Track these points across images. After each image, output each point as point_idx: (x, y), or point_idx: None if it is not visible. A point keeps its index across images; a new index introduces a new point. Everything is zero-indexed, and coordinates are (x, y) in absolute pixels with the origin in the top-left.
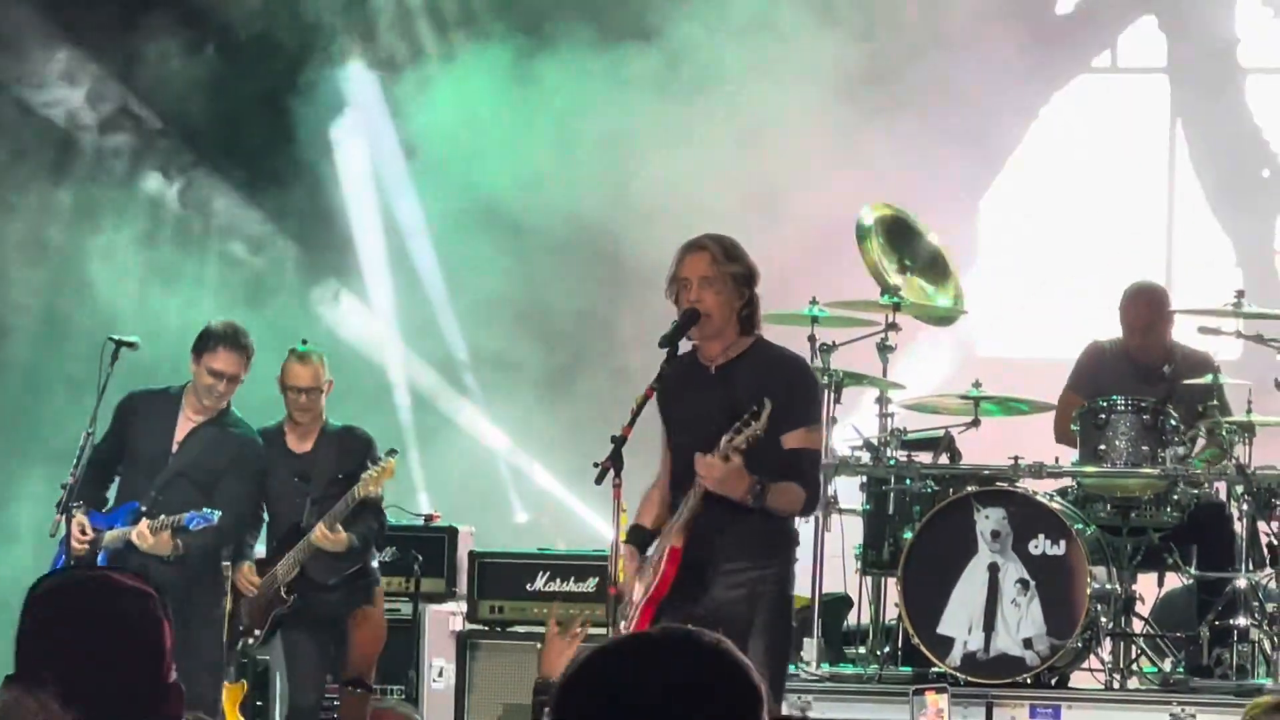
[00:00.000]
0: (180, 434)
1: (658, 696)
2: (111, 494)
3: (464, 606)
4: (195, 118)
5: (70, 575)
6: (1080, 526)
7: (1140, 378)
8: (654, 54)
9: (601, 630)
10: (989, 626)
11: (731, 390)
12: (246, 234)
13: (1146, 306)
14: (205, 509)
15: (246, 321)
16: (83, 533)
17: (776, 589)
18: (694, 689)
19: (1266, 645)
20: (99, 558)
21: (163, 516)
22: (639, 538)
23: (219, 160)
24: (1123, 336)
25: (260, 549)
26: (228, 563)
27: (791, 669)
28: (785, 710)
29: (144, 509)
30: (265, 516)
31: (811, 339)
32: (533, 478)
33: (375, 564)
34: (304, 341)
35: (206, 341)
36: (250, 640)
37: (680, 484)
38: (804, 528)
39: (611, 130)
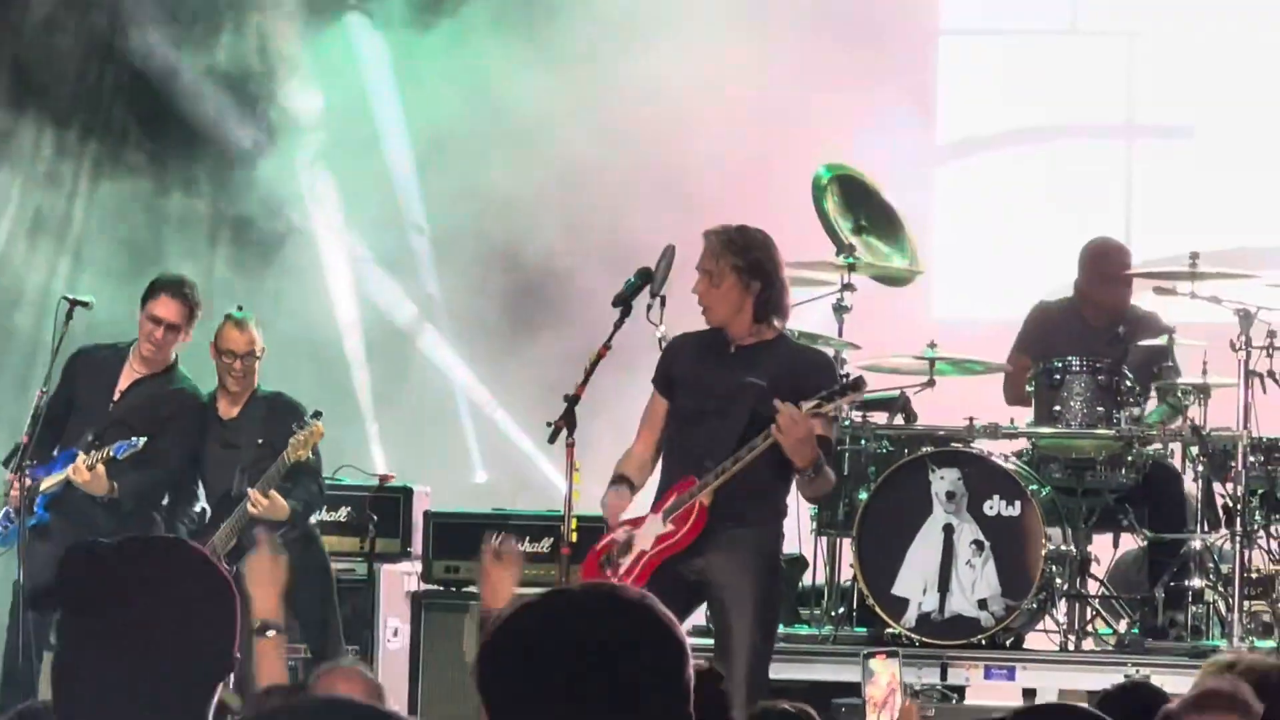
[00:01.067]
0: (122, 384)
1: (582, 652)
2: None
3: (419, 567)
4: None
5: (158, 539)
6: (1035, 487)
7: (1091, 338)
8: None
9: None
10: (944, 587)
11: (753, 368)
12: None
13: (1113, 254)
14: (131, 437)
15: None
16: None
17: (768, 560)
18: (619, 645)
19: (1221, 606)
20: (37, 504)
21: (94, 452)
22: (620, 481)
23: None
24: (1082, 291)
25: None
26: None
27: None
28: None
29: (80, 453)
30: (199, 489)
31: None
32: (499, 436)
33: (313, 523)
34: (240, 308)
35: (152, 289)
36: None
37: (677, 447)
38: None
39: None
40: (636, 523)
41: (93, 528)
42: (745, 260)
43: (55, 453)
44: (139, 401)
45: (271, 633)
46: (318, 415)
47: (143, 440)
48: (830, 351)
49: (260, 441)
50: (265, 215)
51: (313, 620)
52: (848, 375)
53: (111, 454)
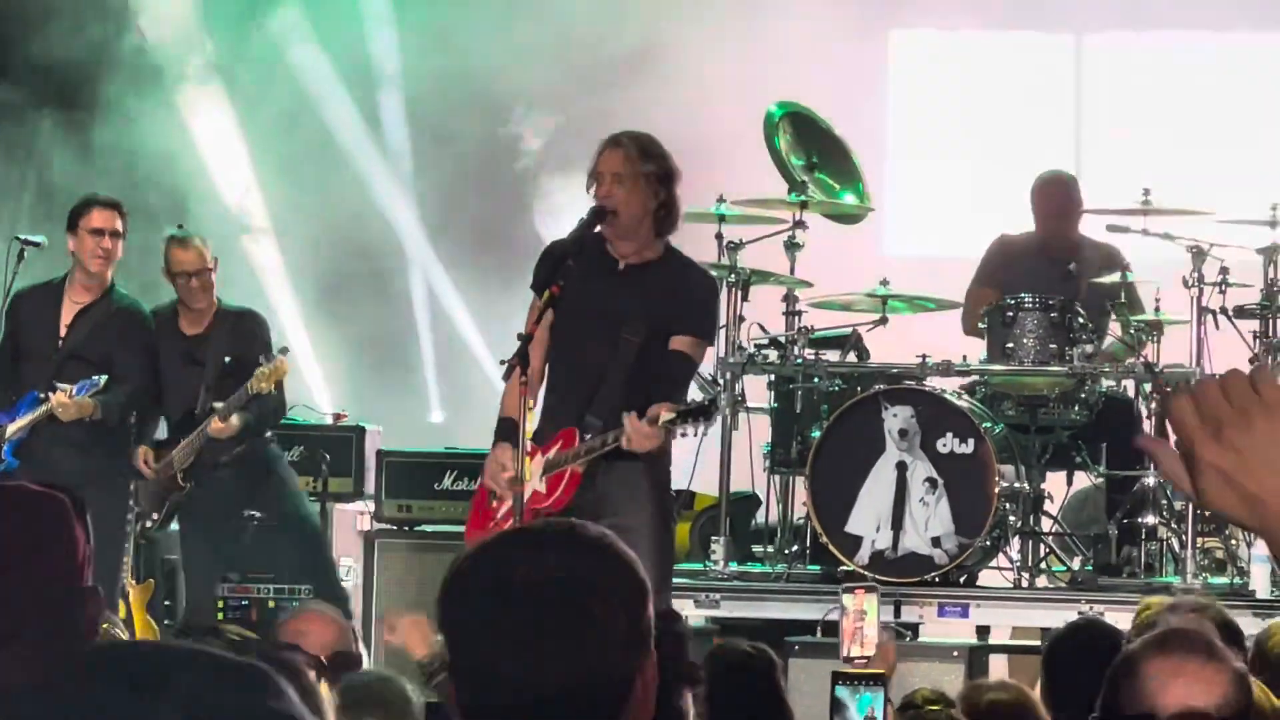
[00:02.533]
0: (66, 319)
1: (542, 590)
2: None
3: (371, 506)
4: None
5: None
6: (988, 425)
7: (1050, 272)
8: None
9: None
10: (897, 525)
11: (641, 292)
12: None
13: (1059, 190)
14: (89, 372)
15: None
16: None
17: (659, 488)
18: (578, 582)
19: (1174, 543)
20: (4, 450)
21: (59, 388)
22: (512, 431)
23: None
24: (1034, 227)
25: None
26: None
27: (699, 567)
28: (694, 610)
29: (42, 397)
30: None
31: (718, 237)
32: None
33: (273, 445)
34: (180, 226)
35: (79, 209)
36: (149, 524)
37: (562, 379)
38: (712, 427)
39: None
40: (532, 453)
41: (58, 472)
42: (658, 169)
43: (13, 397)
44: (86, 331)
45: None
46: (284, 351)
47: (103, 378)
48: (783, 290)
49: (227, 360)
50: None
51: (310, 564)
52: (708, 399)
53: (75, 393)
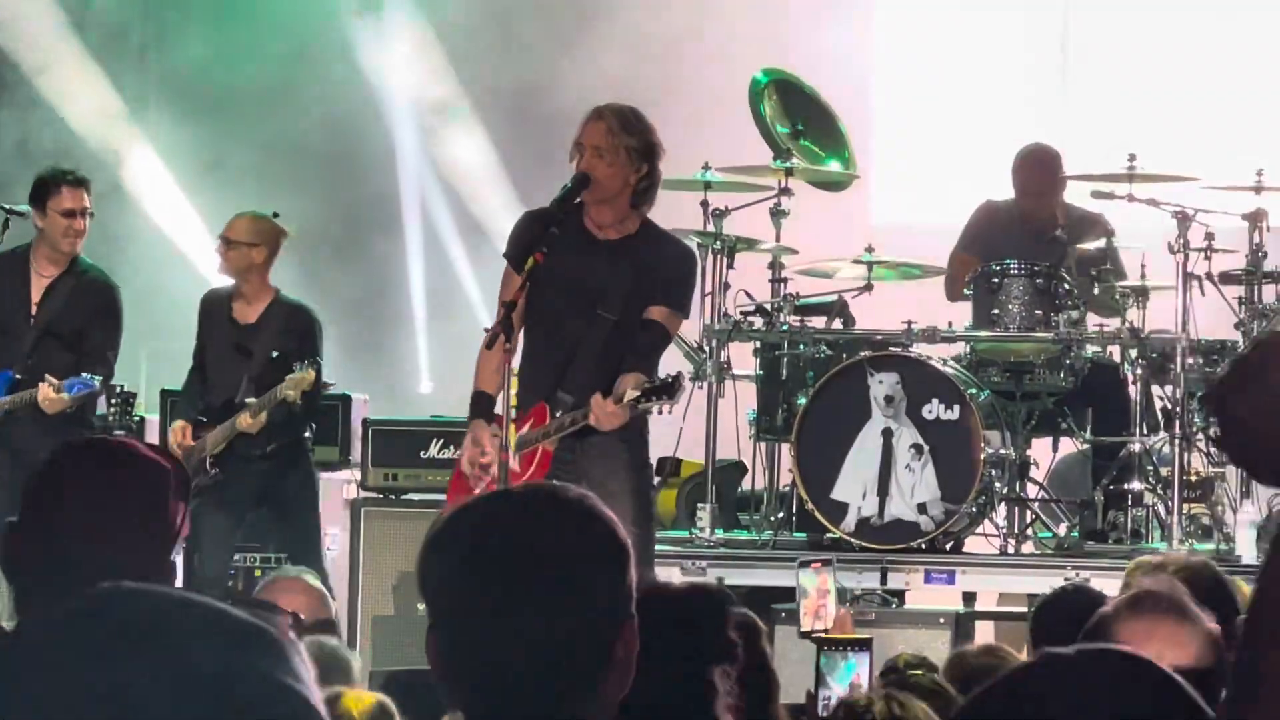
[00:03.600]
0: (36, 293)
1: (522, 551)
2: None
3: (357, 474)
4: None
5: (101, 437)
6: (974, 391)
7: (1033, 240)
8: None
9: None
10: (883, 492)
11: (619, 265)
12: None
13: (1039, 168)
14: (84, 375)
15: None
16: None
17: (637, 454)
18: (561, 544)
19: (1160, 509)
20: None
21: (51, 379)
22: (488, 408)
23: None
24: (1015, 199)
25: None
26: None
27: (685, 534)
28: (680, 577)
29: (18, 376)
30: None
31: (704, 204)
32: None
33: (308, 435)
34: (274, 214)
35: (47, 188)
36: None
37: (538, 353)
38: (697, 393)
39: None
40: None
41: (27, 448)
42: (640, 142)
43: None
44: (59, 306)
45: None
46: (315, 363)
47: (98, 380)
48: (768, 257)
49: (274, 355)
50: None
51: (298, 532)
52: (670, 376)
53: (65, 391)
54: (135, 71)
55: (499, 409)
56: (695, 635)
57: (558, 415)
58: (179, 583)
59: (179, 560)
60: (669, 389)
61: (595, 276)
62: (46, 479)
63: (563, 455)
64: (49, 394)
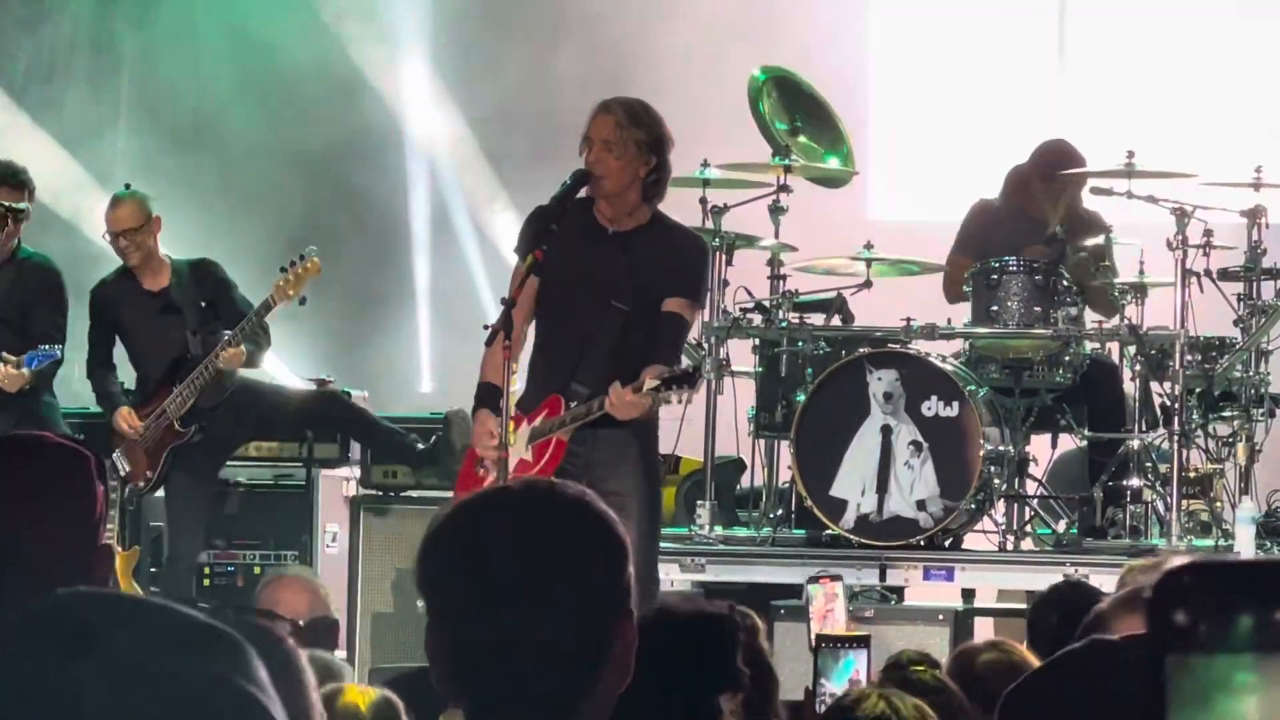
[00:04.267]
0: None
1: (520, 549)
2: None
3: (357, 472)
4: None
5: (5, 436)
6: (973, 388)
7: (1029, 237)
8: None
9: None
10: (882, 489)
11: (630, 257)
12: None
13: (1066, 157)
14: (42, 346)
15: None
16: None
17: (646, 452)
18: (558, 541)
19: (1159, 506)
20: None
21: (5, 355)
22: (495, 399)
23: None
24: (1030, 189)
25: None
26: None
27: (684, 532)
28: (679, 574)
29: None
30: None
31: (703, 201)
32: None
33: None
34: (126, 186)
35: None
36: (140, 485)
37: (551, 345)
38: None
39: None
40: (516, 421)
41: None
42: (649, 135)
43: None
44: (2, 291)
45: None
46: (313, 250)
47: (59, 349)
48: (767, 254)
49: (203, 304)
50: None
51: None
52: (692, 366)
53: (23, 363)
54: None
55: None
56: (704, 666)
57: (573, 405)
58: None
59: (113, 542)
60: (689, 379)
61: (606, 269)
62: None
63: (574, 448)
64: (8, 371)
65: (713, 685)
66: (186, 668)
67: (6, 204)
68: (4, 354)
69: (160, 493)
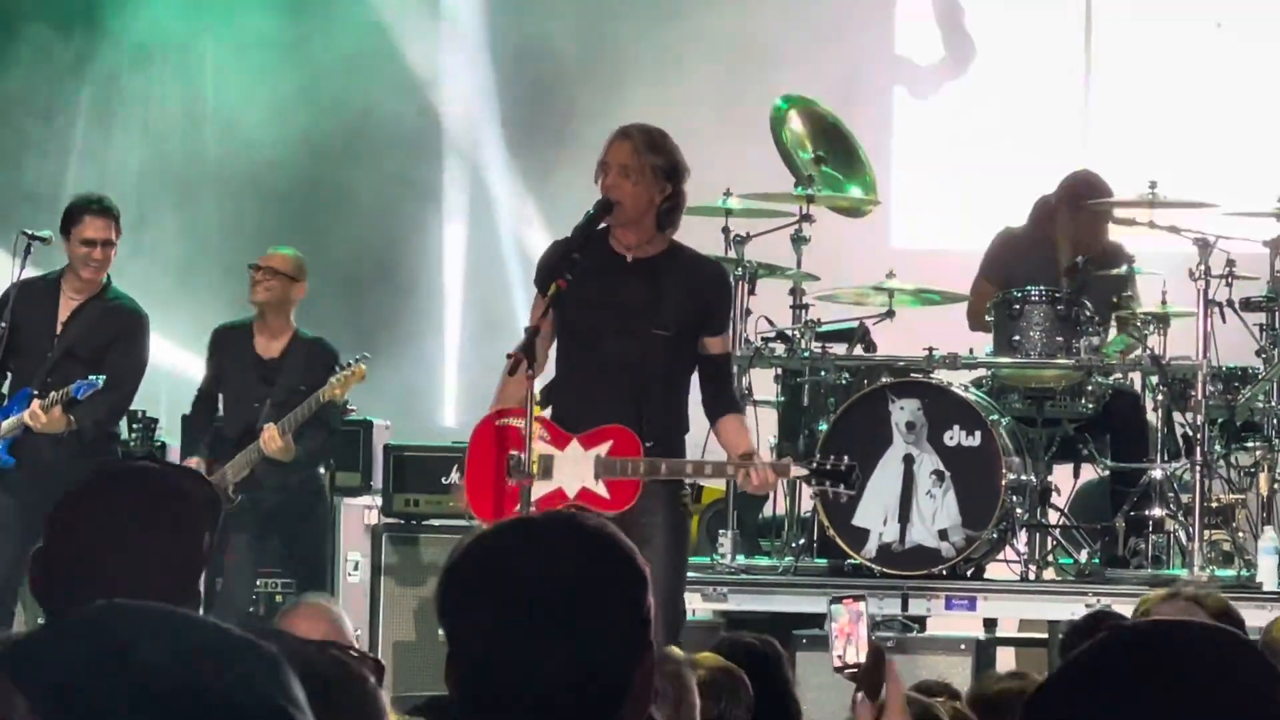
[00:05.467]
0: (63, 315)
1: (541, 580)
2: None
3: (379, 500)
4: None
5: (139, 462)
6: (995, 417)
7: (1052, 266)
8: None
9: None
10: (904, 518)
11: (650, 285)
12: None
13: (1093, 188)
14: (90, 376)
15: None
16: None
17: (675, 487)
18: (578, 573)
19: (1181, 536)
20: (0, 449)
21: (52, 394)
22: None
23: None
24: (1056, 219)
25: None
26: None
27: (706, 561)
28: (701, 604)
29: (35, 392)
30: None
31: (725, 230)
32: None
33: (323, 471)
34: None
35: (73, 215)
36: None
37: (578, 367)
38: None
39: None
40: (555, 435)
41: (54, 470)
42: (665, 162)
43: (5, 392)
44: (82, 328)
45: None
46: (365, 358)
47: (102, 379)
48: (789, 283)
49: (302, 388)
50: None
51: (306, 562)
52: (848, 465)
53: (71, 394)
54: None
55: (522, 434)
56: None
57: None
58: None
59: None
60: (844, 478)
61: (627, 295)
62: (74, 503)
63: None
64: (35, 410)
65: None
66: (219, 680)
67: (31, 232)
68: (36, 399)
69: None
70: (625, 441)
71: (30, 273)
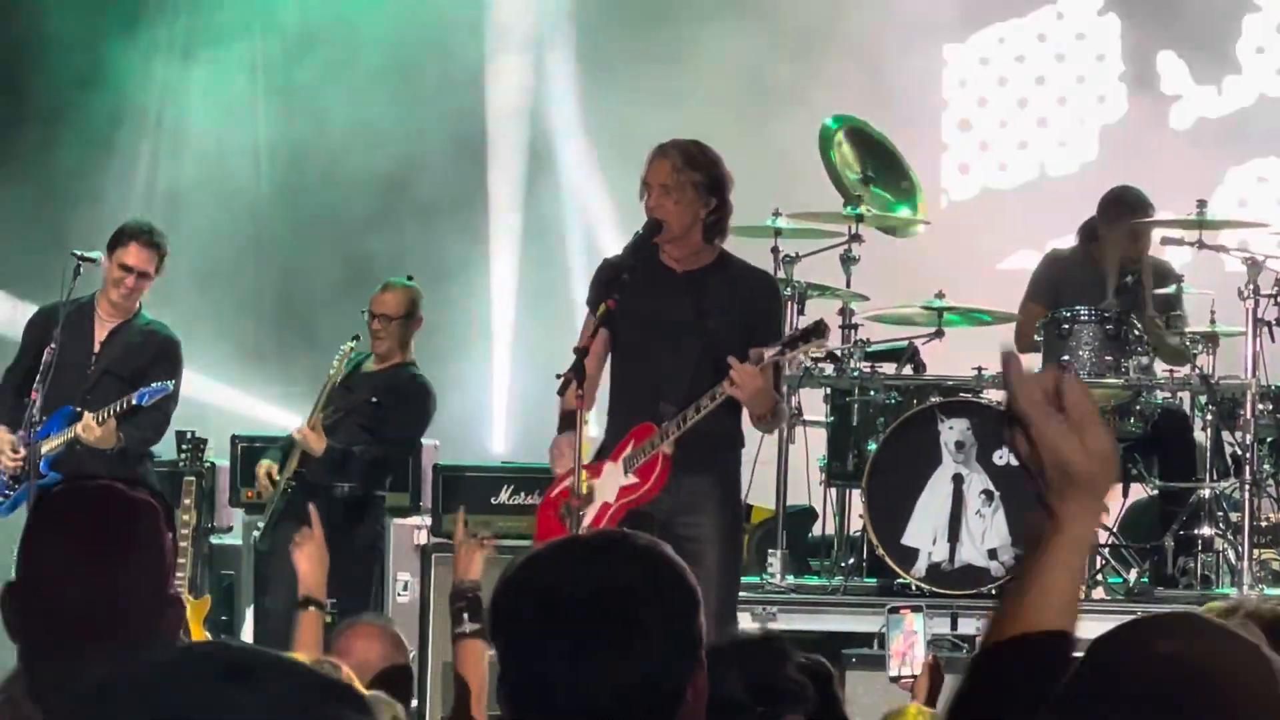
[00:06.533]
0: (99, 336)
1: (593, 599)
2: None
3: (428, 520)
4: None
5: (78, 483)
6: None
7: (1101, 287)
8: None
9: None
10: (954, 537)
11: (702, 297)
12: None
13: (1140, 204)
14: (154, 382)
15: None
16: (14, 451)
17: (730, 491)
18: (629, 591)
19: (1230, 555)
20: (41, 465)
21: (109, 406)
22: (571, 424)
23: None
24: (1100, 237)
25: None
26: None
27: (756, 580)
28: (750, 623)
29: (77, 409)
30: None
31: (774, 251)
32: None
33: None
34: (409, 277)
35: (120, 237)
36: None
37: (629, 385)
38: (768, 440)
39: None
40: (594, 470)
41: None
42: (706, 176)
43: (37, 413)
44: (119, 350)
45: (313, 608)
46: (356, 339)
47: (172, 383)
48: (839, 303)
49: (374, 400)
50: None
51: (351, 581)
52: (811, 323)
53: (134, 401)
54: None
55: (571, 451)
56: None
57: (668, 421)
58: (249, 625)
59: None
60: (814, 332)
61: (679, 310)
62: (34, 532)
63: (656, 500)
64: (89, 422)
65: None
66: (327, 714)
67: (80, 253)
68: (87, 412)
69: (237, 539)
70: (644, 432)
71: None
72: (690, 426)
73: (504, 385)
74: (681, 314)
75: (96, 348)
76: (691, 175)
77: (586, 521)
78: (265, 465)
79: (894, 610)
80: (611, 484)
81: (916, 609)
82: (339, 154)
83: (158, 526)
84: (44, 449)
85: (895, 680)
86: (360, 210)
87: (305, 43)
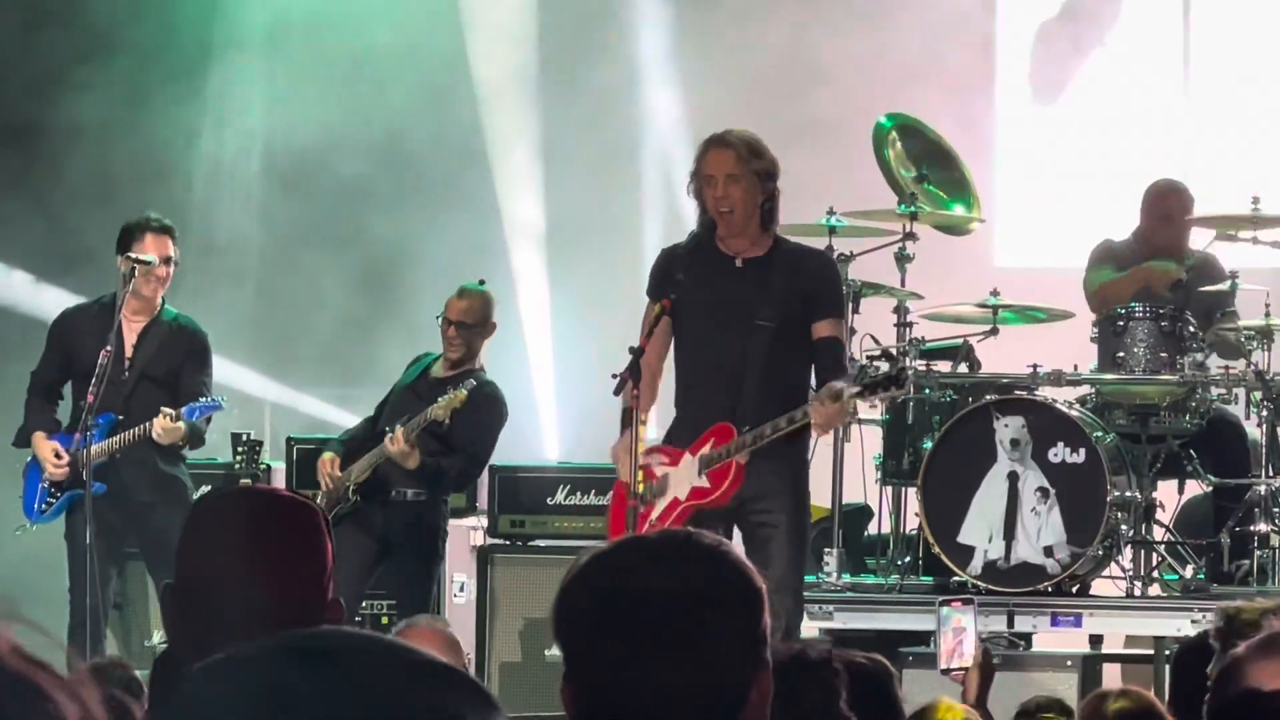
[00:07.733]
0: (130, 338)
1: (658, 599)
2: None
3: (485, 521)
4: None
5: (238, 488)
6: (1100, 434)
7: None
8: None
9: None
10: (1009, 535)
11: (763, 284)
12: None
13: (1176, 196)
14: (203, 398)
15: None
16: (57, 456)
17: (797, 479)
18: (695, 591)
19: None
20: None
21: (173, 410)
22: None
23: None
24: (1143, 233)
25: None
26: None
27: (812, 579)
28: (807, 622)
29: (120, 417)
30: None
31: (829, 249)
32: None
33: (444, 510)
34: (481, 281)
35: (130, 235)
36: None
37: (700, 379)
38: (823, 439)
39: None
40: (671, 455)
41: (131, 489)
42: (766, 165)
43: (60, 419)
44: (151, 351)
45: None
46: (469, 384)
47: (221, 398)
48: (893, 302)
49: (447, 423)
50: None
51: (409, 582)
52: (895, 369)
53: (185, 415)
54: None
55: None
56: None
57: (746, 430)
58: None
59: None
60: (895, 380)
61: (740, 297)
62: (195, 535)
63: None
64: (165, 424)
65: None
66: (419, 698)
67: (135, 256)
68: (164, 409)
69: None
70: (724, 433)
71: (77, 300)
72: (758, 445)
73: (547, 383)
74: (739, 300)
75: (129, 351)
76: (756, 163)
77: (655, 514)
78: (328, 457)
79: (945, 603)
80: (685, 480)
81: (967, 601)
82: (340, 154)
83: (319, 529)
84: (93, 457)
85: (946, 673)
86: (367, 208)
87: (311, 33)
